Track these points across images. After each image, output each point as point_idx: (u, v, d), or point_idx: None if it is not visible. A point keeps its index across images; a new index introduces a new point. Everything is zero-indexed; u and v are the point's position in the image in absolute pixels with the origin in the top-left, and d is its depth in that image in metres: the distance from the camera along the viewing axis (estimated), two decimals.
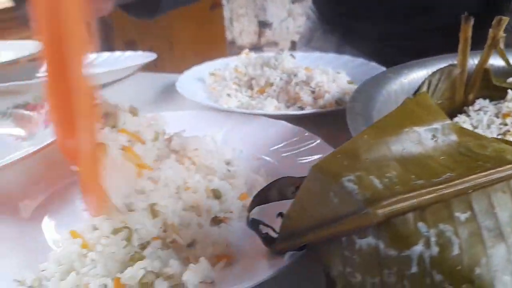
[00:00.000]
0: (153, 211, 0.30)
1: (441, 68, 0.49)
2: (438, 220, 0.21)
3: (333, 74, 0.63)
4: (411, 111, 0.27)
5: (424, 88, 0.49)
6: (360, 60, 0.72)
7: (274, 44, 1.78)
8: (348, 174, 0.23)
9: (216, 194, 0.35)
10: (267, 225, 0.28)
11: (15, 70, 0.88)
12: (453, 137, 0.26)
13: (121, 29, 1.99)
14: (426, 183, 0.23)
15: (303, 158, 0.44)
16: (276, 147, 0.48)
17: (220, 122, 0.56)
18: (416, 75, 0.50)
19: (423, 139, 0.26)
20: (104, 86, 0.81)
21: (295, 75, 0.62)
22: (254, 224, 0.28)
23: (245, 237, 0.32)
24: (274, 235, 0.27)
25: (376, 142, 0.25)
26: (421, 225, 0.21)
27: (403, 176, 0.23)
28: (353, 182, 0.23)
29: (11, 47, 1.11)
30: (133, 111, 0.47)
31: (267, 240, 0.27)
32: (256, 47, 1.83)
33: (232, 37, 1.96)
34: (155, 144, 0.42)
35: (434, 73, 0.49)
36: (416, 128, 0.26)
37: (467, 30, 0.45)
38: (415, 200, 0.22)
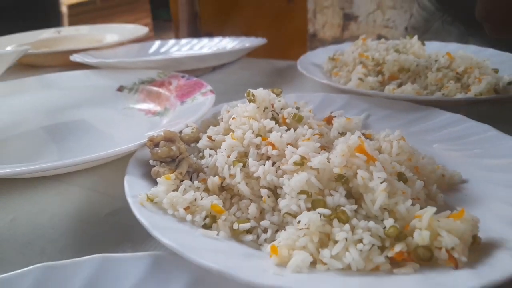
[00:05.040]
0: None
1: None
2: None
3: (477, 61, 0.57)
4: None
5: None
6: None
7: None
8: None
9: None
10: None
11: (120, 50, 0.92)
12: None
13: (204, 21, 2.02)
14: None
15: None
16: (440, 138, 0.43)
17: (356, 105, 0.52)
18: None
19: None
20: (215, 68, 0.80)
21: (436, 60, 0.57)
22: None
23: None
24: None
25: None
26: None
27: None
28: None
29: (116, 30, 1.16)
30: (277, 92, 0.46)
31: None
32: (338, 41, 1.76)
33: (313, 30, 1.91)
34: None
35: None
36: None
37: None
38: None
